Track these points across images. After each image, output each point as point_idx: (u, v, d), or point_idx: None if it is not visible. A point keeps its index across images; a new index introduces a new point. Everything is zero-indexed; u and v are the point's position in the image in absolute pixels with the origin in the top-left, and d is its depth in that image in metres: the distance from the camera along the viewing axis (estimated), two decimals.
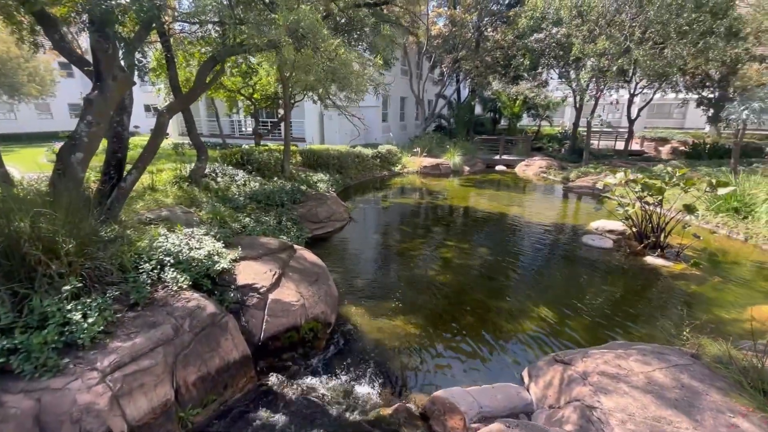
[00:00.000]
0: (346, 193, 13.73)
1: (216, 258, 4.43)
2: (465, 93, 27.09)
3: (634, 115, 19.76)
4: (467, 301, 5.93)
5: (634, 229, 8.09)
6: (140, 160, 5.50)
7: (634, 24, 12.90)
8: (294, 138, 21.32)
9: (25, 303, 3.05)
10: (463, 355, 4.64)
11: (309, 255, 5.72)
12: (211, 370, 3.43)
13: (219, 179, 9.84)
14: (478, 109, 27.16)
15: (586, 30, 13.77)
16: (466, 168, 17.99)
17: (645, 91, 18.95)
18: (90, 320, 3.03)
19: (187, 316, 3.48)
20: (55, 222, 3.39)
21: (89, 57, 4.79)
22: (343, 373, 4.14)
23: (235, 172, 10.53)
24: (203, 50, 8.43)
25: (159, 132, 5.82)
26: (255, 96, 13.28)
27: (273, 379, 3.93)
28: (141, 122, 26.01)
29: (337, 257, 7.70)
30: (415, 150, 18.41)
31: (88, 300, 3.20)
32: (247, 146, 15.02)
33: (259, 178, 10.99)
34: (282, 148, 15.18)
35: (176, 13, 6.68)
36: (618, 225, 8.84)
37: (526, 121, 28.13)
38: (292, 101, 12.90)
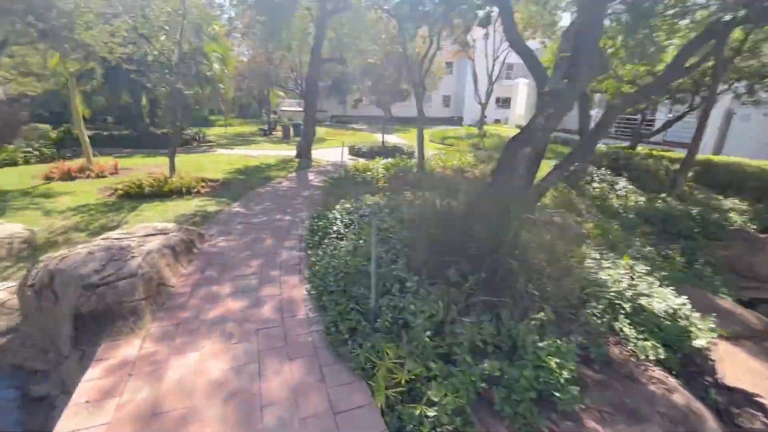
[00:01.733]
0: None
1: (685, 323, 3.00)
2: None
3: None
4: None
5: None
6: (567, 160, 4.77)
7: None
8: (669, 142, 16.61)
9: (494, 318, 2.74)
10: None
11: None
12: None
13: (595, 184, 8.40)
14: None
15: None
16: None
17: None
18: (565, 374, 2.34)
19: (680, 423, 2.27)
20: (530, 230, 2.95)
21: None
22: None
23: (613, 179, 8.75)
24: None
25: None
26: None
27: None
28: (491, 114, 28.33)
29: None
30: None
31: (558, 342, 2.54)
32: (604, 147, 12.78)
33: (639, 190, 8.74)
34: (666, 153, 11.90)
35: None
36: None
37: None
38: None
